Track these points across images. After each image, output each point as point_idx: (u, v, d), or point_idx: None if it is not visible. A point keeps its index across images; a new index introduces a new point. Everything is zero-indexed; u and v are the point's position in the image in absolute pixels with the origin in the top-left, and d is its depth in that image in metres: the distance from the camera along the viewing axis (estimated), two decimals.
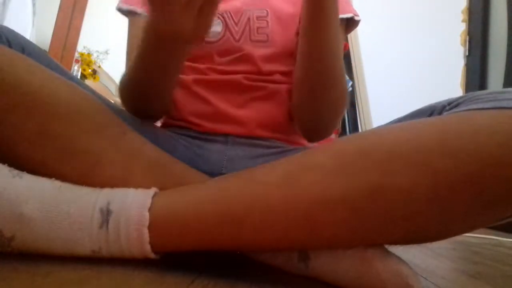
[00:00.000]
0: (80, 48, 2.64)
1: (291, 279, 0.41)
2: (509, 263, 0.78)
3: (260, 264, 0.43)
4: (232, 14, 0.61)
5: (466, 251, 0.90)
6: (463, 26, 2.34)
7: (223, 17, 0.61)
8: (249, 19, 0.61)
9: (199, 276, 0.37)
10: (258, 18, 0.61)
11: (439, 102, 0.43)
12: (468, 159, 0.31)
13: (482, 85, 2.19)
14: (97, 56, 2.90)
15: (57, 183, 0.38)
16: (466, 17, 2.34)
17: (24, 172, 0.38)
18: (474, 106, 0.36)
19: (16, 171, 0.37)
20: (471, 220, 0.34)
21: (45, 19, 2.52)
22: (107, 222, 0.37)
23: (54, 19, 2.47)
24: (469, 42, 2.29)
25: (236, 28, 0.60)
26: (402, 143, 0.33)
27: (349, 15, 0.61)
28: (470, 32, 2.31)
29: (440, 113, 0.41)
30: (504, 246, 1.12)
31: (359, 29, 0.64)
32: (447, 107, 0.41)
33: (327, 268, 0.39)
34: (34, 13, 2.52)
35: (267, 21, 0.61)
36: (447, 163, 0.31)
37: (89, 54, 2.71)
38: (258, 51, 0.59)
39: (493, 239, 1.23)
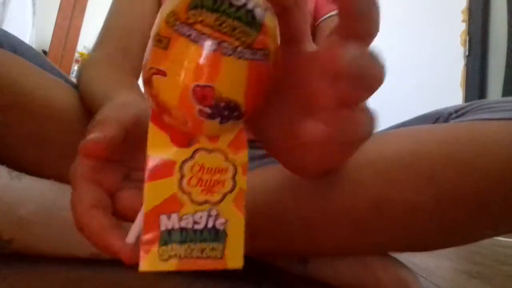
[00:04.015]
0: (80, 48, 2.64)
1: (291, 279, 0.40)
2: (509, 263, 0.78)
3: (259, 264, 0.43)
4: None
5: (466, 251, 0.90)
6: (463, 26, 2.33)
7: None
8: None
9: (199, 277, 0.37)
10: None
11: (446, 109, 0.41)
12: (473, 172, 0.30)
13: (482, 85, 2.19)
14: None
15: (56, 185, 0.38)
16: (466, 17, 2.33)
17: (23, 174, 0.38)
18: (482, 116, 0.34)
19: (15, 173, 0.37)
20: (474, 233, 0.34)
21: (45, 19, 2.52)
22: None
23: (54, 19, 2.47)
24: (469, 42, 2.28)
25: None
26: (406, 153, 0.32)
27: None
28: (470, 32, 2.30)
29: (446, 120, 0.40)
30: (504, 246, 1.12)
31: None
32: (454, 115, 0.40)
33: (326, 271, 0.38)
34: (34, 13, 2.52)
35: None
36: (452, 175, 0.30)
37: (89, 54, 2.71)
38: None
39: (494, 239, 1.23)
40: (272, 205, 0.34)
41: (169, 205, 0.20)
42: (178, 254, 0.20)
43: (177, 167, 0.20)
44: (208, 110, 0.18)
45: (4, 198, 0.35)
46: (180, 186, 0.20)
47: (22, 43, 0.47)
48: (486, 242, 1.14)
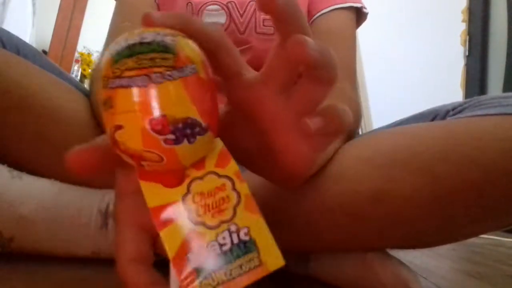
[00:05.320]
0: (80, 48, 2.64)
1: (291, 279, 0.40)
2: (509, 263, 0.78)
3: None
4: (237, 5, 0.58)
5: (466, 251, 0.90)
6: (463, 26, 2.33)
7: (227, 8, 0.58)
8: (255, 10, 0.58)
9: None
10: None
11: (443, 106, 0.42)
12: (470, 166, 0.30)
13: (482, 85, 2.19)
14: (97, 56, 2.90)
15: (57, 185, 0.38)
16: (466, 17, 2.34)
17: (24, 173, 0.38)
18: (479, 112, 0.35)
19: (15, 172, 0.37)
20: (472, 227, 0.34)
21: (45, 19, 2.52)
22: (107, 224, 0.37)
23: (54, 19, 2.47)
24: (469, 42, 2.29)
25: (241, 20, 0.58)
26: (403, 149, 0.32)
27: (358, 5, 0.59)
28: (470, 32, 2.30)
29: (443, 117, 0.40)
30: (505, 246, 1.12)
31: (359, 28, 0.64)
32: (451, 112, 0.40)
33: (327, 269, 0.38)
34: (34, 13, 2.52)
35: None
36: (449, 169, 0.30)
37: (89, 54, 2.71)
38: (264, 45, 0.56)
39: (494, 239, 1.24)
40: (273, 202, 0.35)
41: (191, 242, 0.20)
42: (219, 281, 0.20)
43: (180, 205, 0.20)
44: (171, 136, 0.19)
45: (5, 197, 0.35)
46: (192, 220, 0.20)
47: (24, 43, 0.48)
48: (486, 242, 1.15)
